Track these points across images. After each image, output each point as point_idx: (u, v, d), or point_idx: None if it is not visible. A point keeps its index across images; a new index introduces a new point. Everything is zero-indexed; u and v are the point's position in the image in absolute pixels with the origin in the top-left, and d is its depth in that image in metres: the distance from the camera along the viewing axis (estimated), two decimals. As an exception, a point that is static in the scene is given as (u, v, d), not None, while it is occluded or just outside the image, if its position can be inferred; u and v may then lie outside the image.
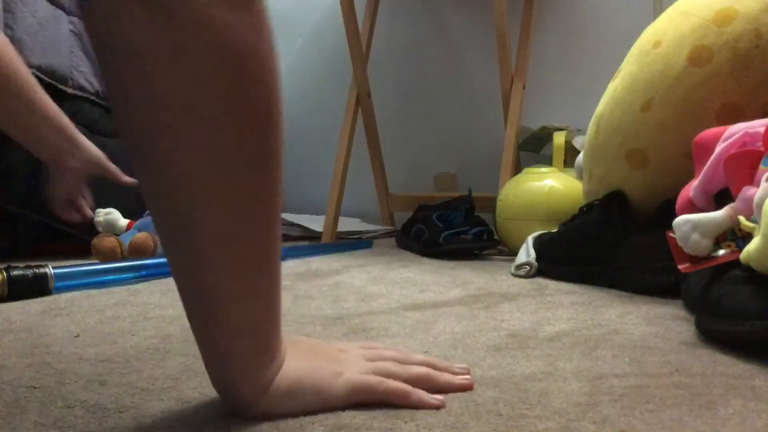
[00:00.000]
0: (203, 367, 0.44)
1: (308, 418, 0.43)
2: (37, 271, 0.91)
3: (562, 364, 0.55)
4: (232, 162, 0.37)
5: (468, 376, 0.50)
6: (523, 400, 0.46)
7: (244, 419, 0.43)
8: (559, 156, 1.50)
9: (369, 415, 0.44)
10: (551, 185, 1.31)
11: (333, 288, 0.96)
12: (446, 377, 0.49)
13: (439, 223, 1.38)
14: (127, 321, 0.75)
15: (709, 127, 0.87)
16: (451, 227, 1.34)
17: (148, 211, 0.92)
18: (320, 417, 0.43)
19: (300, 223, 1.78)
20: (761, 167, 0.62)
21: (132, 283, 1.00)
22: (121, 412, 0.45)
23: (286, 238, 1.73)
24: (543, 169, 1.37)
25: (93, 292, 0.93)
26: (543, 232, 1.15)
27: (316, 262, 1.26)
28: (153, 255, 1.19)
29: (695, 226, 0.66)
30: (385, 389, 0.45)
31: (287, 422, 0.43)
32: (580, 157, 1.20)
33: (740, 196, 0.63)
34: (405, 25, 2.03)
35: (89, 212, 1.25)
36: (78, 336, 0.68)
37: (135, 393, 0.49)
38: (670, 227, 0.86)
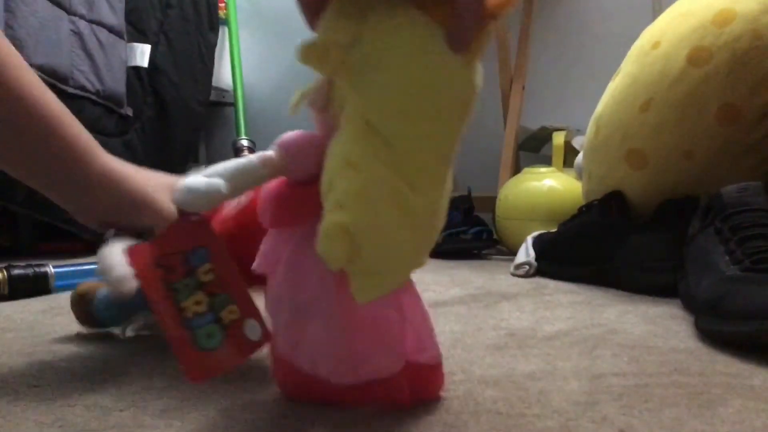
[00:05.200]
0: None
1: (308, 418, 0.43)
2: (37, 270, 0.92)
3: (561, 363, 0.55)
4: None
5: None
6: (523, 399, 0.46)
7: (242, 417, 0.43)
8: (558, 156, 1.51)
9: (368, 413, 0.44)
10: (550, 185, 1.31)
11: (333, 287, 0.96)
12: None
13: (438, 222, 1.38)
14: (127, 320, 0.75)
15: (707, 127, 0.87)
16: (450, 227, 1.34)
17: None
18: (320, 416, 0.43)
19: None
20: None
21: (132, 283, 1.00)
22: (121, 411, 0.45)
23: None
24: (542, 169, 1.37)
25: (93, 291, 0.93)
26: (542, 231, 1.16)
27: (316, 262, 1.26)
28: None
29: None
30: None
31: (287, 421, 0.43)
32: (580, 157, 1.21)
33: None
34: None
35: None
36: (78, 334, 0.68)
37: (135, 391, 0.49)
38: (669, 227, 0.87)
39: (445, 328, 0.69)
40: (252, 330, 0.43)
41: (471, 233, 1.33)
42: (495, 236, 1.37)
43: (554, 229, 1.10)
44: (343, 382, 0.43)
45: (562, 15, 1.85)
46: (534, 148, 1.69)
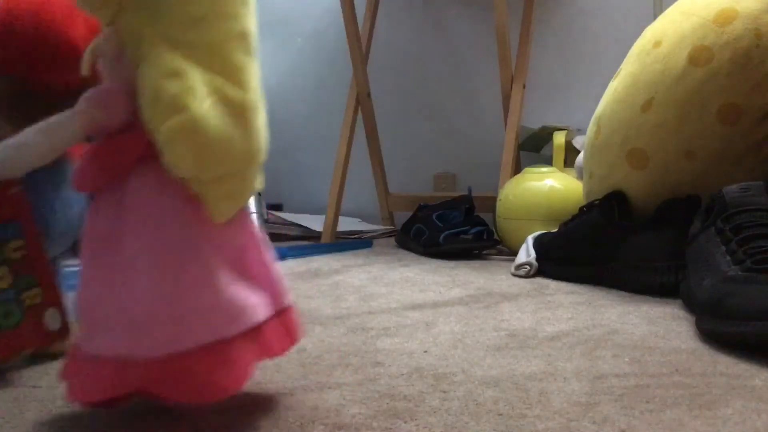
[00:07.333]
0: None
1: (308, 417, 0.43)
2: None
3: (562, 363, 0.55)
4: None
5: None
6: (523, 399, 0.46)
7: (241, 418, 0.43)
8: (559, 156, 1.51)
9: (369, 414, 0.44)
10: (551, 185, 1.31)
11: (333, 287, 0.96)
12: None
13: (439, 222, 1.38)
14: (127, 320, 0.75)
15: (709, 126, 0.87)
16: (451, 227, 1.34)
17: None
18: (320, 416, 0.43)
19: (300, 222, 1.78)
20: None
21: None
22: (121, 411, 0.45)
23: (286, 237, 1.74)
24: (543, 169, 1.37)
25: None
26: (543, 232, 1.15)
27: (316, 262, 1.26)
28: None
29: None
30: None
31: (287, 421, 0.43)
32: (580, 157, 1.20)
33: None
34: (405, 25, 2.03)
35: None
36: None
37: (135, 392, 0.49)
38: (670, 227, 0.86)
39: (446, 328, 0.69)
40: (53, 319, 0.41)
41: (471, 233, 1.32)
42: (495, 236, 1.37)
43: (555, 229, 1.10)
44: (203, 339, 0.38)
45: (562, 14, 1.85)
46: (535, 147, 1.69)
